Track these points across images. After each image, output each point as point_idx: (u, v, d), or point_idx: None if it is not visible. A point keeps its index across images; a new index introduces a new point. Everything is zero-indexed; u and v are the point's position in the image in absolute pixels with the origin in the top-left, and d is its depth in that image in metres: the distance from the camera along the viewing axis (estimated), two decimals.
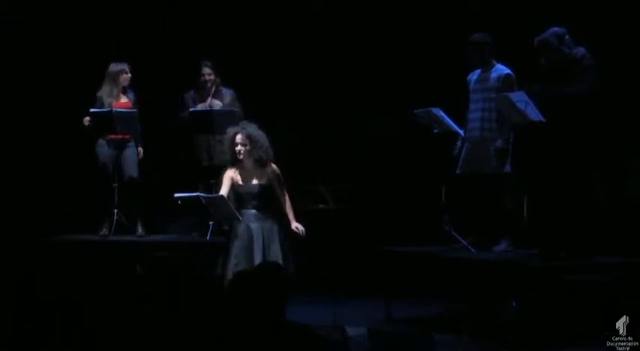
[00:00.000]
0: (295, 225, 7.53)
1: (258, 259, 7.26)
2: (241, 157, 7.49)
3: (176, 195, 7.47)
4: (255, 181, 7.54)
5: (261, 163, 7.51)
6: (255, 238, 7.41)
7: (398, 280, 8.01)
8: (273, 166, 7.55)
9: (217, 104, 9.10)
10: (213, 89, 9.14)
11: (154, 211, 9.38)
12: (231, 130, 7.58)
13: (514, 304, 7.05)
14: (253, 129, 7.54)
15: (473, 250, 7.81)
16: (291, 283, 7.02)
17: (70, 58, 10.16)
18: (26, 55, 10.16)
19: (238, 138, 7.50)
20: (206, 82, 9.14)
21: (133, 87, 9.26)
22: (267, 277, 4.48)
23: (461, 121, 8.10)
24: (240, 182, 7.56)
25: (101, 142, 9.19)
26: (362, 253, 8.70)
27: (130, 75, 9.14)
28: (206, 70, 9.14)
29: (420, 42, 9.76)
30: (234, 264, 7.34)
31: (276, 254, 7.36)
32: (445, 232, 8.08)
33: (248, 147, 7.47)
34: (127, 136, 9.12)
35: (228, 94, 9.19)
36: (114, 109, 8.94)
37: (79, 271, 7.74)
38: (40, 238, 8.96)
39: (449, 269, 7.79)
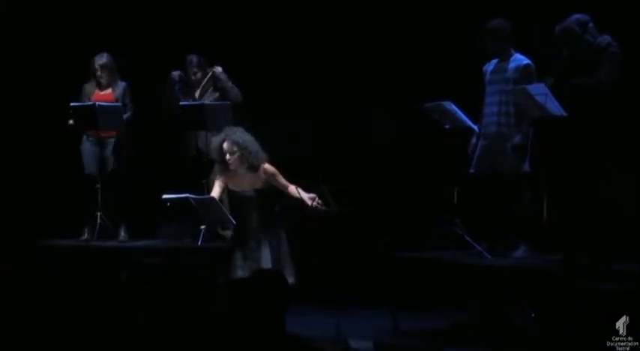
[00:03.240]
0: (309, 196, 7.52)
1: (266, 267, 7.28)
2: (233, 166, 7.54)
3: (164, 196, 7.55)
4: (250, 188, 7.61)
5: (253, 168, 7.51)
6: (261, 245, 7.46)
7: (406, 288, 7.97)
8: (266, 166, 7.55)
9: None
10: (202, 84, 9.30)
11: (141, 213, 9.42)
12: (216, 140, 7.67)
13: (533, 314, 7.02)
14: (239, 134, 7.57)
15: (488, 256, 7.79)
16: (301, 290, 7.15)
17: (53, 57, 10.22)
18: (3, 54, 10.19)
19: (225, 146, 7.56)
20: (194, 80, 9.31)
21: (126, 78, 9.40)
22: (264, 285, 4.48)
23: (475, 116, 8.09)
24: (236, 190, 7.59)
25: (83, 138, 9.29)
26: (367, 258, 8.69)
27: (97, 69, 9.23)
28: (193, 69, 9.27)
29: (428, 29, 9.76)
30: (240, 275, 7.34)
31: (286, 260, 7.43)
32: (458, 237, 8.07)
33: (237, 154, 7.52)
34: (109, 132, 9.20)
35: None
36: (97, 103, 9.02)
37: (59, 278, 7.69)
38: (17, 244, 8.89)
39: (462, 277, 7.76)
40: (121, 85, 9.32)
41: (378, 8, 10.07)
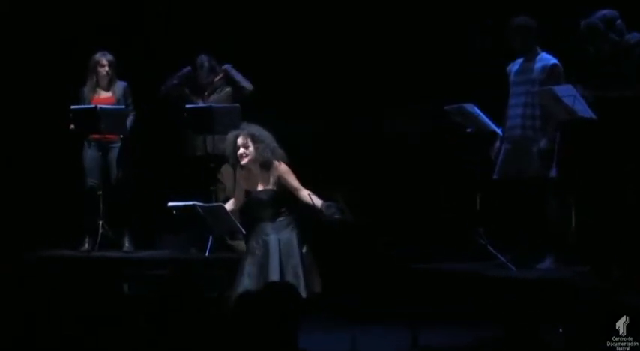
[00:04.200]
0: (325, 204, 7.31)
1: (274, 277, 7.15)
2: (245, 161, 7.44)
3: (170, 204, 7.46)
4: (262, 187, 7.48)
5: (267, 166, 7.40)
6: (271, 253, 7.31)
7: (426, 301, 7.93)
8: (279, 163, 7.43)
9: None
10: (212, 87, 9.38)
11: (145, 222, 9.43)
12: (231, 135, 7.58)
13: (560, 330, 6.93)
14: (256, 129, 7.49)
15: (512, 267, 7.74)
16: (314, 303, 7.04)
17: (51, 58, 10.23)
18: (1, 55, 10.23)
19: (239, 141, 7.45)
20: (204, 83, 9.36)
21: (127, 78, 9.38)
22: (276, 298, 4.50)
23: (499, 119, 8.05)
24: (247, 189, 7.50)
25: (85, 145, 9.26)
26: (384, 270, 8.69)
27: (105, 67, 9.23)
28: (204, 73, 9.32)
29: (448, 25, 9.78)
30: (247, 284, 7.24)
31: (296, 270, 7.28)
32: (480, 247, 8.06)
33: (251, 149, 7.43)
34: (113, 137, 9.15)
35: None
36: (98, 105, 8.97)
37: (59, 291, 7.64)
38: (14, 255, 8.86)
39: (485, 290, 7.72)
40: (121, 84, 9.29)
41: (379, 9, 10.10)
